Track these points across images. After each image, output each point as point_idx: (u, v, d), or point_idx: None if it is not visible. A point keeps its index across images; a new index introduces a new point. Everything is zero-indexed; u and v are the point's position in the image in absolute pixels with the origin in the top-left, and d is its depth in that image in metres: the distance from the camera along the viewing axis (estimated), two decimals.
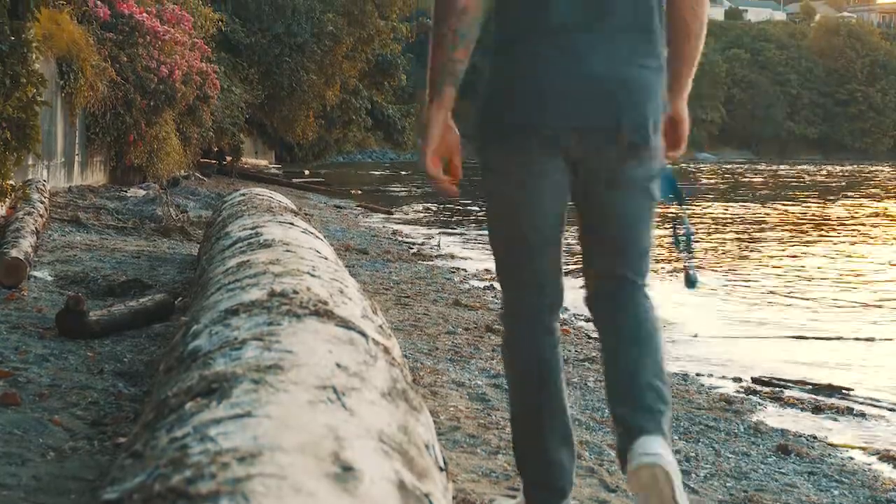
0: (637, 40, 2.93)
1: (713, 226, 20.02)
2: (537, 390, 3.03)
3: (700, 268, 12.78)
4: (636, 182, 2.94)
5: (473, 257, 12.63)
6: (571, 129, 2.88)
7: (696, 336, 8.14)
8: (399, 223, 18.58)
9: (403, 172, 47.61)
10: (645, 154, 2.92)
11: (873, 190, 36.92)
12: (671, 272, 10.97)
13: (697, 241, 14.65)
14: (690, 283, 3.20)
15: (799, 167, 66.92)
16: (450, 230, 16.74)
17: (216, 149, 26.13)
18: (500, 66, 3.01)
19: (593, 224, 3.03)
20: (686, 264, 3.22)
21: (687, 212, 3.25)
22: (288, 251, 3.97)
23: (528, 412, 3.05)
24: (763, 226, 20.30)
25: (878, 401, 6.24)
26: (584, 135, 2.88)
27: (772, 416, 5.66)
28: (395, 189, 32.38)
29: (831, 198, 30.84)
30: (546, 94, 2.90)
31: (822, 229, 19.57)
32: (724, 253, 15.12)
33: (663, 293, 10.78)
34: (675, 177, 3.14)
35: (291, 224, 5.47)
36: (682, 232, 3.23)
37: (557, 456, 3.01)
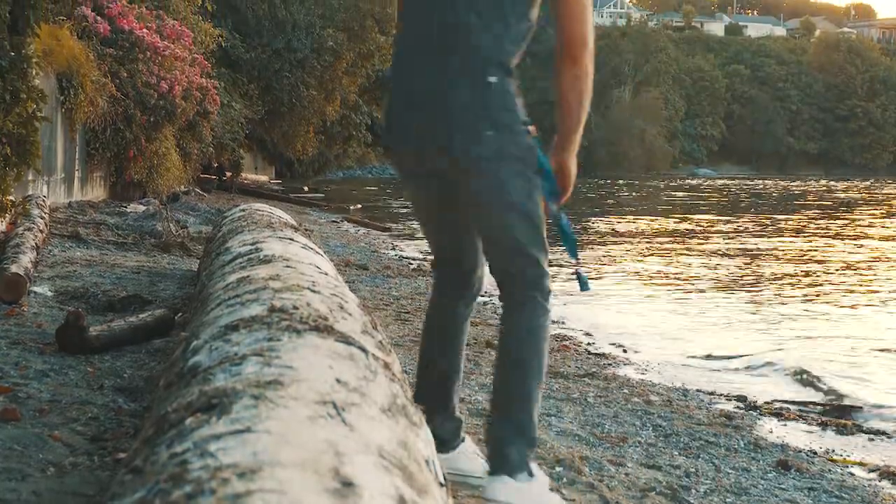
0: (472, 63, 3.27)
1: (718, 240, 20.03)
2: (437, 337, 3.69)
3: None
4: (490, 191, 3.28)
5: None
6: (413, 150, 3.38)
7: (709, 356, 8.12)
8: (399, 238, 18.59)
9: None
10: (490, 165, 3.24)
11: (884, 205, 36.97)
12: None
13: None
14: (583, 285, 3.48)
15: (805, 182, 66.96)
16: None
17: (216, 164, 26.13)
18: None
19: (472, 226, 3.48)
20: (577, 269, 3.48)
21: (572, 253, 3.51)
22: (288, 267, 3.97)
23: (429, 351, 3.69)
24: (767, 238, 20.31)
25: (879, 416, 6.23)
26: (426, 154, 3.34)
27: (772, 432, 5.66)
28: (395, 205, 32.42)
29: (835, 212, 30.87)
30: (394, 116, 3.45)
31: (830, 244, 19.58)
32: (730, 269, 15.13)
33: (675, 315, 10.80)
34: (569, 228, 3.43)
35: (291, 240, 5.47)
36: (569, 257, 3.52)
37: (448, 372, 3.63)
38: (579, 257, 3.47)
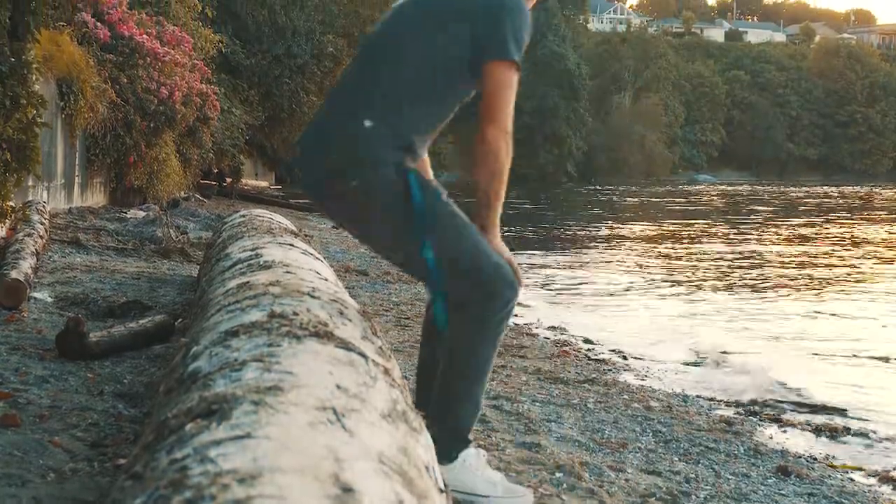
0: (350, 107, 3.33)
1: (718, 245, 20.03)
2: (430, 341, 3.70)
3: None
4: (366, 226, 3.43)
5: None
6: (308, 183, 3.51)
7: (709, 362, 8.11)
8: None
9: None
10: (359, 201, 3.28)
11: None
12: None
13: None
14: (440, 323, 3.46)
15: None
16: None
17: (216, 170, 26.11)
18: None
19: None
20: (438, 302, 3.47)
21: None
22: (288, 272, 3.97)
23: (424, 355, 3.73)
24: (768, 243, 20.30)
25: (879, 422, 6.23)
26: (317, 188, 3.46)
27: (771, 438, 5.65)
28: None
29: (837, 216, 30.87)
30: (299, 152, 3.56)
31: (830, 249, 19.58)
32: (736, 275, 15.13)
33: (675, 321, 10.80)
34: (433, 263, 3.31)
35: (291, 245, 5.46)
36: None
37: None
38: (443, 292, 3.40)
